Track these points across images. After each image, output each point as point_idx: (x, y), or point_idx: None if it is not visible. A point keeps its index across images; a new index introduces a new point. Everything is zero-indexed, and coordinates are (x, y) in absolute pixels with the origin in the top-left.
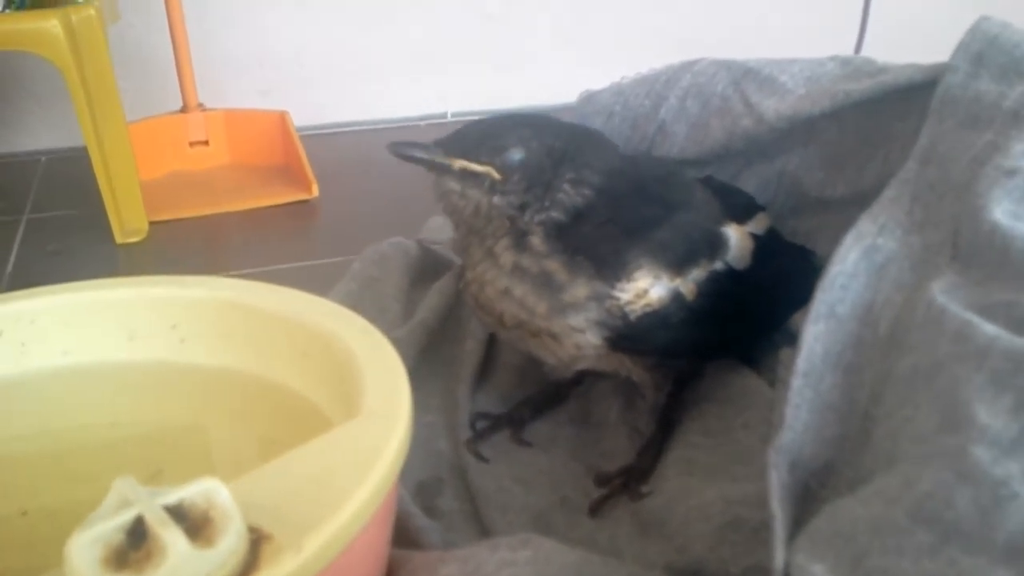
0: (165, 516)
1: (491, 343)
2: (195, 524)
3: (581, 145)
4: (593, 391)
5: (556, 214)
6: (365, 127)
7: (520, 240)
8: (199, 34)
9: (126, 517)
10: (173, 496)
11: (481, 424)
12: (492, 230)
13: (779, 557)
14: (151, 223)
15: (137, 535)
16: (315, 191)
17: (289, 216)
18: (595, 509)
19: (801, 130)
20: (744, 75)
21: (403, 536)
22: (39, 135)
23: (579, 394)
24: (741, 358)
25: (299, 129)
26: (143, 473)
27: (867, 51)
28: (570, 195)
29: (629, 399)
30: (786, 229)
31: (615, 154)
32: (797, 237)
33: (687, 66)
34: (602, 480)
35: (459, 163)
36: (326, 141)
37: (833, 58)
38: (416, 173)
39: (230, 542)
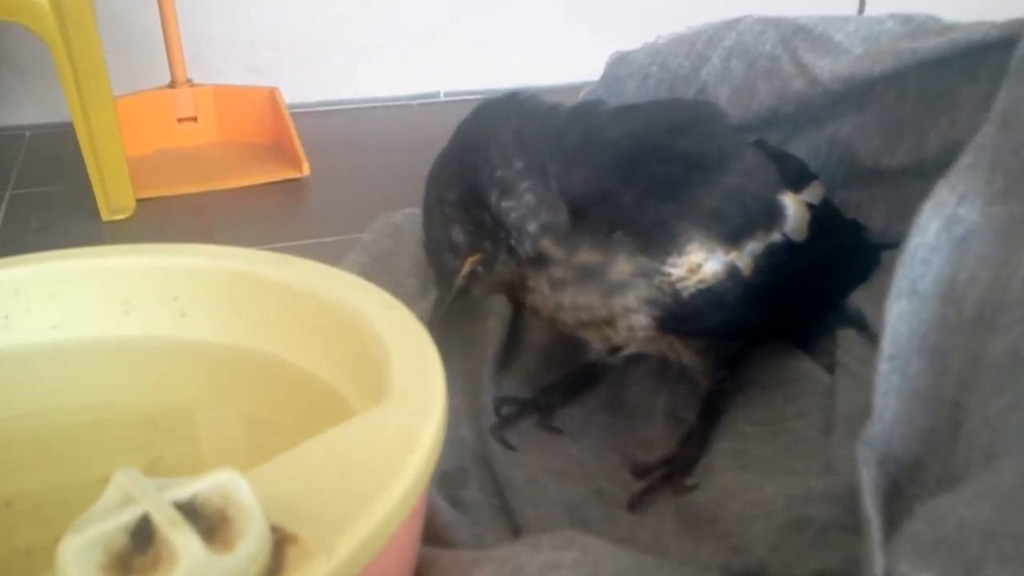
0: (176, 515)
1: (515, 320)
2: (210, 524)
3: (504, 152)
4: (627, 374)
5: (531, 227)
6: (356, 105)
7: (541, 263)
8: (188, 7)
9: (130, 516)
10: (185, 491)
11: (507, 410)
12: (519, 281)
13: (878, 564)
14: (138, 200)
15: (142, 537)
16: (306, 169)
17: (279, 194)
18: (635, 503)
19: (857, 93)
20: (795, 33)
21: (428, 532)
22: (24, 109)
23: (611, 377)
24: (794, 341)
25: (289, 107)
26: (141, 460)
27: None
28: (529, 207)
29: (667, 383)
30: (835, 201)
31: (589, 117)
32: (847, 210)
33: (731, 24)
34: (641, 471)
35: (455, 285)
36: (317, 119)
37: (892, 15)
38: (407, 152)
39: (251, 545)
